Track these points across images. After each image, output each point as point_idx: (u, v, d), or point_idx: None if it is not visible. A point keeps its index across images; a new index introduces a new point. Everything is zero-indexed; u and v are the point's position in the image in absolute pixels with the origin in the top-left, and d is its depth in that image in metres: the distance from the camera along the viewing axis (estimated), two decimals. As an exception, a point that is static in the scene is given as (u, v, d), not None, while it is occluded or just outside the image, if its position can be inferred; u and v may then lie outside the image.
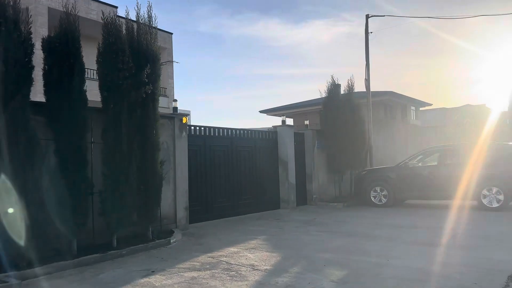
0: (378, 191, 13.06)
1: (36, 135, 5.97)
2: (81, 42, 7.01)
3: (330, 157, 14.07)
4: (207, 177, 10.35)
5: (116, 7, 20.31)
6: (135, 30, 7.74)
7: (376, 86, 30.99)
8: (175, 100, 9.48)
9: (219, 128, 10.99)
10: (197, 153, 10.13)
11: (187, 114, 9.51)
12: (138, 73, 7.30)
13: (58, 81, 6.34)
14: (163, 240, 7.69)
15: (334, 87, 14.12)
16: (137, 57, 7.47)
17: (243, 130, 11.85)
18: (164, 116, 8.93)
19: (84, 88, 6.70)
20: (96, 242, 7.13)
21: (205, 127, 10.51)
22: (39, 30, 16.86)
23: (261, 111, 29.04)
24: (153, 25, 7.99)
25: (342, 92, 14.57)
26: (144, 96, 7.42)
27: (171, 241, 7.80)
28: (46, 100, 6.41)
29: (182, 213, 9.08)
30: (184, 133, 9.29)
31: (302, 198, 13.52)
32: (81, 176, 6.44)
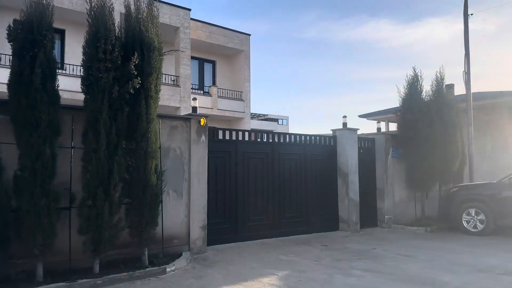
0: (473, 215, 9.99)
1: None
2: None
3: (409, 168, 11.33)
4: (238, 190, 8.70)
5: (189, 9, 19.89)
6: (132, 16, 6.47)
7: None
8: (194, 99, 8.05)
9: (256, 132, 9.29)
10: (225, 162, 8.56)
11: (207, 116, 8.01)
12: (123, 64, 6.02)
13: (18, 74, 5.34)
14: (156, 268, 6.26)
15: (415, 82, 11.35)
16: (125, 46, 6.22)
17: (289, 134, 9.94)
18: (176, 118, 7.60)
19: (55, 84, 5.62)
20: (78, 266, 6.01)
21: (236, 130, 8.90)
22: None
23: (360, 116, 26.22)
24: (155, 12, 6.63)
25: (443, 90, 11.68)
26: (132, 92, 6.11)
27: (168, 269, 6.34)
28: (8, 96, 5.46)
29: (197, 233, 7.57)
30: (203, 138, 7.79)
31: (371, 218, 11.04)
32: (42, 188, 5.32)
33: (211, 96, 21.39)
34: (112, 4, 6.23)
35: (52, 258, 5.79)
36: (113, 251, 6.38)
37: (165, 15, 18.81)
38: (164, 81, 19.02)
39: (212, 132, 8.46)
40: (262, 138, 9.36)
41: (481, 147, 14.70)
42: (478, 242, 9.00)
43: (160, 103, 18.14)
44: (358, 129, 10.63)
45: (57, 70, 5.69)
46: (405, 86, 11.38)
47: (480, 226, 9.81)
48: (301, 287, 5.59)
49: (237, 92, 22.69)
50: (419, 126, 10.86)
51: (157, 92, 6.52)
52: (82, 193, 5.77)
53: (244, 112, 22.58)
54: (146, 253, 6.48)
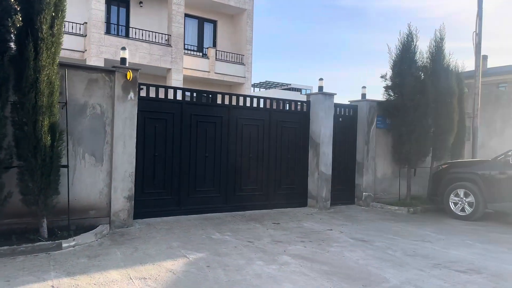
0: (461, 196, 8.63)
1: None
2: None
3: (396, 141, 9.94)
4: (182, 157, 7.65)
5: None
6: None
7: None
8: (124, 48, 6.88)
9: (208, 93, 8.12)
10: (167, 124, 7.48)
11: (137, 69, 6.86)
12: (2, -3, 4.93)
13: None
14: (49, 243, 5.37)
15: (409, 42, 9.76)
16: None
17: (250, 97, 8.70)
18: (95, 69, 6.51)
19: None
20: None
21: (183, 89, 7.75)
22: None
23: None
24: None
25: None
26: (15, 32, 5.05)
27: (65, 245, 5.44)
28: None
29: (120, 204, 6.63)
30: (131, 95, 6.70)
31: (347, 195, 9.84)
32: None
33: (209, 59, 20.13)
34: None
35: None
36: (5, 220, 5.56)
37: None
38: (154, 40, 17.91)
39: (149, 90, 7.35)
40: (215, 100, 8.18)
41: (490, 121, 13.03)
42: (460, 228, 7.71)
43: (149, 63, 17.17)
44: (335, 93, 9.26)
45: None
46: (397, 46, 9.82)
47: (468, 210, 8.47)
48: (202, 275, 4.57)
49: (238, 56, 21.30)
50: (408, 92, 9.38)
51: (55, 35, 5.41)
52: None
53: (244, 77, 21.24)
54: (44, 224, 5.58)
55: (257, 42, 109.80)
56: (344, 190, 9.76)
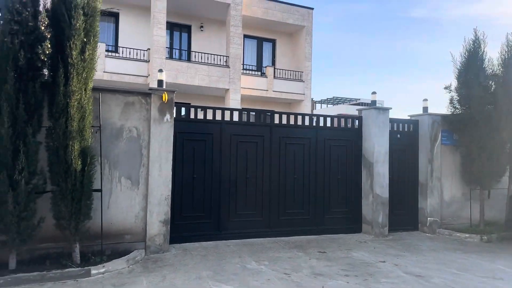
0: (548, 225, 7.27)
1: None
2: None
3: (465, 159, 8.79)
4: (223, 179, 7.36)
5: (242, -15, 18.61)
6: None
7: None
8: (160, 71, 6.84)
9: (248, 111, 7.81)
10: (206, 146, 7.27)
11: (173, 91, 6.75)
12: (32, 22, 5.07)
13: None
14: (78, 269, 5.31)
15: (476, 48, 8.67)
16: (53, 10, 5.31)
17: (294, 114, 8.21)
18: (131, 92, 6.48)
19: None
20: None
21: (222, 108, 7.51)
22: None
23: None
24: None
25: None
26: (44, 58, 5.17)
27: (94, 271, 5.35)
28: None
29: (156, 229, 6.46)
30: (167, 117, 6.59)
31: (410, 220, 8.85)
32: None
33: (267, 77, 20.02)
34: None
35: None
36: (41, 244, 5.63)
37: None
38: (213, 62, 18.22)
39: (188, 110, 7.22)
40: (257, 119, 7.83)
41: None
42: (546, 264, 6.44)
43: (208, 84, 17.50)
44: (390, 108, 8.44)
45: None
46: (462, 54, 8.77)
47: (557, 241, 7.11)
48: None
49: (297, 73, 20.94)
50: (476, 103, 8.27)
51: (87, 60, 5.45)
52: (-10, 177, 5.03)
53: (303, 94, 20.76)
54: (76, 249, 5.56)
55: (322, 57, 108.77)
56: (405, 214, 8.79)
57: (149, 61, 17.25)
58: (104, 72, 16.45)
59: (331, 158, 8.28)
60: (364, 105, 55.34)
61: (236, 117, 7.61)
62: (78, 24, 5.26)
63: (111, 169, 6.25)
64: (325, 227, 8.12)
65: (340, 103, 67.01)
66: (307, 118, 8.22)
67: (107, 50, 17.04)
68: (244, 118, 7.82)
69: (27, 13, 5.02)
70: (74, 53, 5.26)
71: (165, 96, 6.51)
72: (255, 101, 20.20)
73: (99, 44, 15.02)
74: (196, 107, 7.33)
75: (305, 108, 20.61)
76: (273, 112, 7.95)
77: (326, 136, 8.27)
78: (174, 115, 6.89)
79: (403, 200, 8.78)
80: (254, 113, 7.83)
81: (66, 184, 5.28)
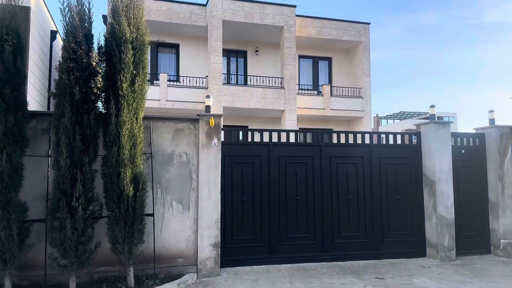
0: None
1: None
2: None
3: (544, 174, 7.88)
4: (272, 201, 7.28)
5: (294, 6, 18.83)
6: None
7: None
8: (208, 97, 7.02)
9: (296, 131, 7.69)
10: (254, 168, 7.26)
11: (220, 115, 6.87)
12: (86, 59, 5.49)
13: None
14: (131, 292, 5.49)
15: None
16: (106, 45, 5.74)
17: (345, 133, 7.95)
18: (181, 119, 6.70)
19: (19, 91, 5.36)
20: (58, 282, 5.71)
21: (270, 130, 7.49)
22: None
23: None
24: (136, 2, 5.93)
25: None
26: (97, 92, 5.55)
27: (144, 295, 5.50)
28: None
29: (207, 252, 6.51)
30: (215, 141, 6.71)
31: (480, 243, 8.08)
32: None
33: (323, 96, 19.80)
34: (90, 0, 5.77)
35: (28, 272, 5.65)
36: (98, 268, 5.92)
37: (267, 16, 18.25)
38: (269, 84, 18.45)
39: (236, 134, 7.31)
40: (307, 139, 7.70)
41: None
42: None
43: (263, 106, 17.81)
44: (450, 122, 7.90)
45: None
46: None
47: None
48: None
49: (355, 89, 20.49)
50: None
51: (136, 91, 5.76)
52: (50, 205, 5.44)
53: (363, 111, 20.18)
54: (130, 273, 5.77)
55: (388, 71, 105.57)
56: (474, 236, 8.04)
57: (207, 87, 17.89)
58: (166, 100, 17.35)
59: (388, 177, 7.86)
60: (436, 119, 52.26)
61: (284, 138, 7.55)
62: (127, 58, 5.60)
63: (163, 194, 6.46)
64: (384, 251, 7.66)
65: (407, 118, 64.27)
66: (359, 136, 7.92)
67: (169, 80, 17.98)
68: (293, 139, 7.72)
69: (82, 51, 5.44)
70: (124, 85, 5.58)
71: (212, 121, 6.66)
72: (312, 120, 20.04)
73: (161, 74, 15.93)
74: (243, 130, 7.40)
75: (366, 125, 20.00)
76: (322, 132, 7.77)
77: (380, 154, 7.89)
78: (222, 139, 7.00)
79: (472, 221, 8.05)
80: (302, 133, 7.70)
81: (119, 210, 5.54)
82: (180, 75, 18.74)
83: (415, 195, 7.96)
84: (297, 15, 19.03)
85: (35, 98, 13.41)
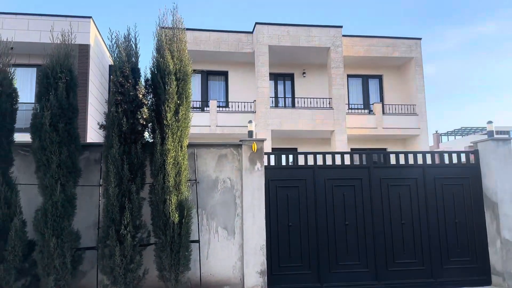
0: None
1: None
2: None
3: None
4: (319, 227, 7.05)
5: (341, 27, 18.74)
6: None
7: None
8: (250, 122, 7.05)
9: (342, 153, 7.46)
10: (299, 192, 7.12)
11: (262, 140, 6.85)
12: (132, 92, 5.76)
13: (34, 116, 5.63)
14: (178, 319, 5.50)
15: None
16: (152, 78, 6.05)
17: (396, 153, 7.58)
18: (224, 145, 6.77)
19: (71, 125, 5.69)
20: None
21: (314, 153, 7.33)
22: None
23: None
24: (179, 35, 6.19)
25: None
26: (143, 122, 5.78)
27: (192, 322, 5.49)
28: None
29: (253, 279, 6.40)
30: (258, 166, 6.69)
31: (556, 270, 7.23)
32: (54, 229, 5.34)
33: (375, 114, 19.24)
34: (136, 36, 6.11)
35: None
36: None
37: (313, 38, 18.30)
38: (316, 105, 18.31)
39: (279, 158, 7.24)
40: (352, 161, 7.45)
41: None
42: None
43: (312, 128, 17.83)
44: (511, 138, 7.27)
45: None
46: None
47: None
48: None
49: (409, 106, 19.74)
50: None
51: (180, 120, 5.92)
52: (101, 232, 5.66)
53: (418, 128, 19.31)
54: (176, 299, 5.80)
55: (448, 85, 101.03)
56: (549, 263, 7.23)
57: (255, 111, 18.10)
58: (216, 126, 17.75)
59: (445, 199, 7.36)
60: (500, 133, 49.18)
61: (329, 161, 7.37)
62: (171, 89, 5.81)
63: (208, 220, 6.51)
64: (444, 279, 7.10)
65: (470, 133, 60.65)
66: (410, 156, 7.54)
67: (218, 106, 18.44)
68: (339, 161, 7.51)
69: (128, 84, 5.73)
70: (168, 115, 5.77)
71: (255, 146, 6.67)
72: (364, 140, 19.51)
73: (211, 101, 16.34)
74: (286, 154, 7.32)
75: (423, 143, 19.10)
76: (371, 152, 7.49)
77: (436, 174, 7.43)
78: (266, 163, 6.97)
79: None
80: (348, 155, 7.47)
81: (165, 236, 5.64)
82: (229, 100, 19.16)
83: (475, 218, 7.37)
84: (344, 35, 18.89)
85: (94, 129, 14.30)
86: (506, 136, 7.32)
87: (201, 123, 17.60)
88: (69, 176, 5.57)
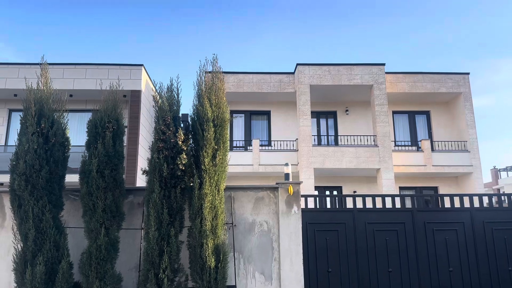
0: None
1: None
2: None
3: None
4: (360, 272, 6.80)
5: (383, 64, 18.67)
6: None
7: None
8: (287, 165, 7.09)
9: (383, 196, 7.26)
10: (339, 236, 6.97)
11: (299, 183, 6.84)
12: (173, 139, 6.05)
13: (82, 163, 6.07)
14: None
15: None
16: (191, 126, 6.34)
17: (440, 196, 7.26)
18: (261, 188, 6.84)
19: (116, 171, 6.04)
20: None
21: (353, 196, 7.20)
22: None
23: None
24: (217, 83, 6.50)
25: None
26: (183, 168, 6.01)
27: None
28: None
29: (291, 327, 6.24)
30: (295, 209, 6.67)
31: None
32: (97, 271, 5.60)
33: (423, 152, 18.60)
34: (178, 86, 6.49)
35: None
36: None
37: (355, 76, 18.35)
38: (361, 143, 18.06)
39: (318, 200, 7.17)
40: (393, 204, 7.23)
41: None
42: None
43: (356, 166, 17.69)
44: None
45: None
46: None
47: None
48: None
49: (459, 143, 18.94)
50: None
51: (217, 165, 6.10)
52: (141, 276, 5.83)
53: (471, 166, 18.37)
54: None
55: (502, 118, 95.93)
56: None
57: (297, 150, 18.14)
58: (259, 165, 17.94)
59: (496, 245, 6.90)
60: None
61: (369, 204, 7.20)
62: (208, 135, 6.05)
63: (245, 264, 6.51)
64: (501, 334, 6.53)
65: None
66: (456, 198, 7.20)
67: (261, 145, 18.70)
68: (380, 204, 7.31)
69: (170, 132, 6.04)
70: (206, 160, 5.98)
71: (291, 189, 6.68)
72: (412, 178, 18.82)
73: (254, 140, 16.63)
74: (324, 196, 7.25)
75: (477, 181, 18.11)
76: (413, 195, 7.25)
77: (485, 218, 7.01)
78: (303, 206, 6.93)
79: None
80: (390, 197, 7.27)
81: (202, 281, 5.70)
82: (271, 139, 19.40)
83: (534, 267, 6.81)
84: (387, 72, 18.78)
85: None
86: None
87: (244, 162, 17.91)
88: (113, 220, 5.86)
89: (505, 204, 7.20)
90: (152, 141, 6.22)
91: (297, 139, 18.30)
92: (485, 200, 7.35)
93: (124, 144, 15.22)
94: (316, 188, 17.74)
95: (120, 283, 5.80)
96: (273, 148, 18.82)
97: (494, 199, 7.27)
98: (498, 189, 53.77)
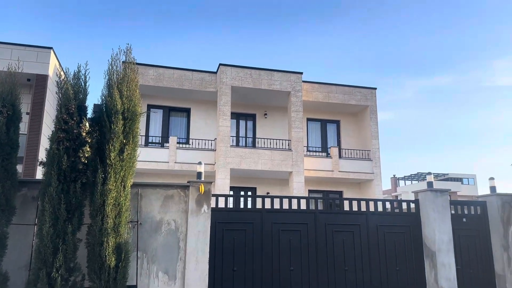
0: None
1: None
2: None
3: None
4: (265, 271, 7.01)
5: (301, 73, 19.48)
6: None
7: None
8: (200, 163, 7.08)
9: (290, 198, 7.58)
10: (246, 235, 7.11)
11: (210, 182, 6.87)
12: (76, 130, 5.68)
13: None
14: None
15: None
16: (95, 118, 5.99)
17: (340, 199, 7.81)
18: (171, 186, 6.73)
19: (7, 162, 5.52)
20: None
21: (263, 196, 7.41)
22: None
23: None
24: (130, 74, 6.23)
25: None
26: (85, 161, 5.67)
27: None
28: None
29: (192, 327, 6.21)
30: (205, 208, 6.66)
31: (490, 319, 7.48)
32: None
33: (332, 158, 19.76)
34: (86, 74, 6.11)
35: None
36: None
37: (275, 82, 18.86)
38: (276, 146, 18.62)
39: (231, 200, 7.26)
40: (299, 205, 7.58)
41: None
42: None
43: (271, 168, 17.92)
44: (448, 190, 7.68)
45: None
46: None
47: None
48: None
49: (364, 152, 20.45)
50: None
51: (125, 159, 5.86)
52: (31, 275, 5.37)
53: (372, 173, 19.95)
54: None
55: (404, 132, 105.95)
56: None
57: (215, 149, 18.15)
58: (175, 162, 17.58)
59: (386, 246, 7.57)
60: (453, 180, 50.69)
61: (277, 205, 7.45)
62: (117, 128, 5.78)
63: (148, 264, 6.33)
64: (385, 327, 7.17)
65: (425, 179, 63.18)
66: (354, 203, 7.76)
67: (178, 143, 18.37)
68: (286, 205, 7.61)
69: (73, 122, 5.66)
70: (112, 154, 5.71)
71: (202, 188, 6.66)
72: (320, 182, 19.86)
73: (171, 137, 16.21)
74: (235, 196, 7.36)
75: (377, 188, 19.70)
76: (316, 198, 7.66)
77: (378, 222, 7.66)
78: (213, 205, 6.95)
79: (480, 295, 7.54)
80: (296, 199, 7.60)
81: (100, 281, 5.42)
82: (190, 137, 19.15)
83: (416, 266, 7.59)
84: (304, 81, 19.61)
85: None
86: (447, 188, 7.70)
87: (159, 159, 17.43)
88: (2, 214, 5.33)
89: (397, 210, 7.93)
90: (53, 131, 5.78)
91: (215, 138, 18.30)
92: (380, 204, 8.01)
93: (25, 133, 13.87)
94: (232, 188, 17.90)
95: (7, 283, 5.29)
96: (191, 146, 18.60)
97: (387, 204, 7.96)
98: (397, 196, 59.20)
